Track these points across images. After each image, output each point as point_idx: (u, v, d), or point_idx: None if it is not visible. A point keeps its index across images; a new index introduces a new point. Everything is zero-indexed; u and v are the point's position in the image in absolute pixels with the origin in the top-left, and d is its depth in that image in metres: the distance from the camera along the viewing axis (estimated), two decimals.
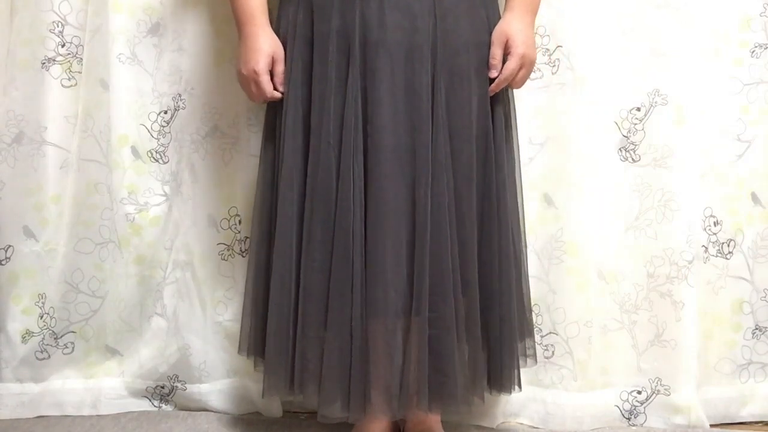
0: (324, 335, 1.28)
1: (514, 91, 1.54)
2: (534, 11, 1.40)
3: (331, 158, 1.28)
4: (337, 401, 1.29)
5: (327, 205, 1.27)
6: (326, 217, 1.27)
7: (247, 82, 1.36)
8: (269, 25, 1.37)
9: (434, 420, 1.46)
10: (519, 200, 1.45)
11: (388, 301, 1.26)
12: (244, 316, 1.48)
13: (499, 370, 1.36)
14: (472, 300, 1.32)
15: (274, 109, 1.39)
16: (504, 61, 1.35)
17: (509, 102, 1.44)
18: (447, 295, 1.27)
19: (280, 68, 1.35)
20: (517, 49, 1.34)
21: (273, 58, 1.34)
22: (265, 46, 1.34)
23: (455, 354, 1.28)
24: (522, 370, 1.52)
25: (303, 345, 1.29)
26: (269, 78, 1.34)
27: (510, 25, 1.35)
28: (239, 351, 1.50)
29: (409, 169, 1.27)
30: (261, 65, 1.33)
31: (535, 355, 1.48)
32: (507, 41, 1.34)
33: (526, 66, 1.36)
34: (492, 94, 1.35)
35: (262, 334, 1.39)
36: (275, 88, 1.36)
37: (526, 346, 1.45)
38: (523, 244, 1.46)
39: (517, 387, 1.39)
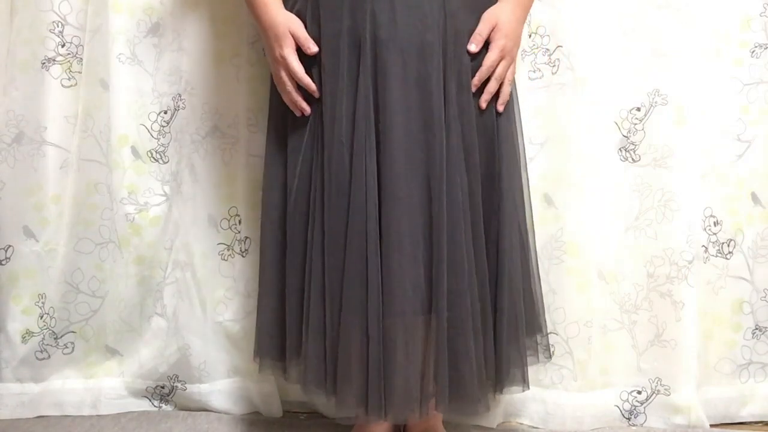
0: (338, 335, 1.26)
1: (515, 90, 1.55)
2: (527, 7, 1.39)
3: (344, 156, 1.26)
4: (355, 403, 1.27)
5: (341, 204, 1.26)
6: (340, 216, 1.26)
7: (279, 71, 1.33)
8: (282, 6, 1.34)
9: (436, 419, 1.46)
10: (526, 198, 1.43)
11: (406, 299, 1.25)
12: (260, 317, 1.44)
13: (507, 368, 1.34)
14: (484, 297, 1.31)
15: (280, 108, 1.38)
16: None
17: (513, 99, 1.42)
18: (463, 294, 1.26)
19: (302, 33, 1.30)
20: (499, 41, 1.32)
21: (292, 33, 1.31)
22: (281, 28, 1.31)
23: (472, 353, 1.27)
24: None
25: (329, 345, 1.28)
26: (298, 58, 1.31)
27: (501, 12, 1.33)
28: (255, 356, 1.45)
29: (423, 167, 1.26)
30: (285, 49, 1.31)
31: (549, 351, 1.47)
32: (494, 26, 1.32)
33: (506, 59, 1.33)
34: (474, 89, 1.31)
35: (269, 336, 1.39)
36: (306, 68, 1.32)
37: (537, 342, 1.43)
38: (531, 241, 1.44)
39: (525, 385, 1.37)
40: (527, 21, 1.56)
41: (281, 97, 1.35)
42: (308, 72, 1.31)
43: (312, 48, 1.30)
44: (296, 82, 1.32)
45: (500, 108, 1.34)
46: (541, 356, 1.44)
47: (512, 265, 1.34)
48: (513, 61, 1.36)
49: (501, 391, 1.37)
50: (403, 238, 1.25)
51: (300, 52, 1.31)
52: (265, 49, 1.38)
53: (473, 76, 1.31)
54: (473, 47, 1.31)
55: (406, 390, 1.27)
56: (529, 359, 1.40)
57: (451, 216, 1.26)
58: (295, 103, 1.33)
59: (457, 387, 1.27)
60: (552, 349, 1.59)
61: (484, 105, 1.32)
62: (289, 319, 1.34)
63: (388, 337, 1.26)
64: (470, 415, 1.46)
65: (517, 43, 1.36)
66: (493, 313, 1.32)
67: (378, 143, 1.26)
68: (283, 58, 1.31)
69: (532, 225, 1.45)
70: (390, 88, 1.26)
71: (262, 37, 1.36)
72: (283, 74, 1.32)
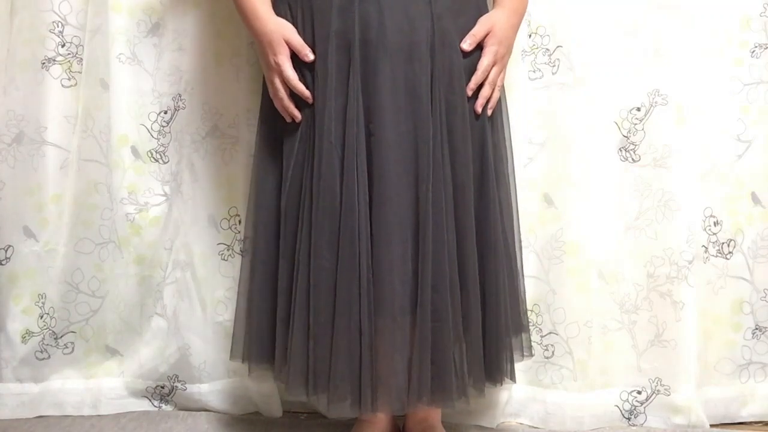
0: (332, 334, 1.28)
1: (515, 90, 1.55)
2: (521, 15, 1.42)
3: (334, 158, 1.28)
4: (347, 399, 1.29)
5: (332, 205, 1.28)
6: (332, 217, 1.28)
7: (273, 78, 1.34)
8: (273, 13, 1.35)
9: (435, 419, 1.47)
10: (513, 197, 1.45)
11: (396, 298, 1.27)
12: (237, 321, 1.47)
13: (489, 362, 1.36)
14: (472, 295, 1.32)
15: (273, 111, 1.39)
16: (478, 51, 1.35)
17: (502, 106, 1.44)
18: (444, 290, 1.28)
19: (297, 41, 1.31)
20: (492, 46, 1.34)
21: (286, 40, 1.32)
22: (275, 35, 1.32)
23: (451, 348, 1.29)
24: (522, 370, 1.53)
25: (314, 344, 1.30)
26: (292, 65, 1.32)
27: (497, 18, 1.36)
28: (231, 357, 1.48)
29: (411, 167, 1.28)
30: (279, 56, 1.32)
31: (531, 349, 1.49)
32: (489, 30, 1.34)
33: (499, 65, 1.36)
34: (470, 93, 1.34)
35: (258, 338, 1.40)
36: (302, 75, 1.33)
37: (522, 341, 1.46)
38: (516, 241, 1.46)
39: (508, 379, 1.40)
40: (527, 21, 1.57)
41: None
42: (300, 74, 1.32)
43: (309, 56, 1.31)
44: (289, 88, 1.33)
45: (488, 112, 1.37)
46: (525, 353, 1.46)
47: (498, 266, 1.36)
48: (504, 67, 1.39)
49: (485, 386, 1.38)
50: (392, 237, 1.27)
51: (292, 56, 1.32)
52: (258, 55, 1.39)
53: (465, 76, 1.33)
54: (466, 45, 1.33)
55: (395, 384, 1.29)
56: (514, 356, 1.42)
57: (435, 215, 1.28)
58: (286, 110, 1.34)
59: (436, 380, 1.29)
60: (552, 349, 1.60)
61: (479, 109, 1.35)
62: (279, 321, 1.36)
63: (378, 334, 1.28)
64: (449, 408, 1.45)
65: (509, 50, 1.39)
66: (481, 311, 1.34)
67: (368, 144, 1.28)
68: (278, 65, 1.32)
69: (519, 228, 1.47)
70: (379, 90, 1.28)
71: (255, 43, 1.37)
72: (277, 81, 1.34)
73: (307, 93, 1.32)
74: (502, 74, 1.38)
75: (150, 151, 1.63)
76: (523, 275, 1.49)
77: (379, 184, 1.27)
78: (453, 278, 1.29)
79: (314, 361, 1.29)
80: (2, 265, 1.62)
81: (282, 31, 1.32)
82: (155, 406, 1.66)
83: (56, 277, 1.63)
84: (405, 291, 1.28)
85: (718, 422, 1.62)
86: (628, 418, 1.61)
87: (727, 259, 1.63)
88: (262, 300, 1.40)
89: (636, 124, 1.60)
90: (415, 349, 1.29)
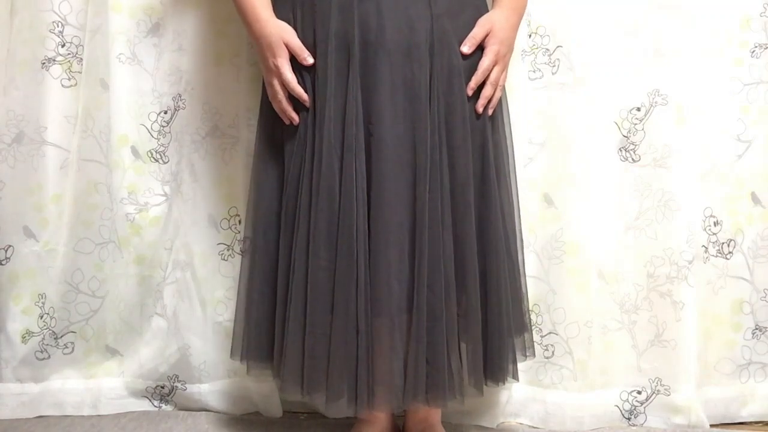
0: (330, 333, 1.29)
1: (515, 90, 1.55)
2: (520, 14, 1.42)
3: (333, 157, 1.28)
4: (343, 397, 1.30)
5: (330, 204, 1.28)
6: (330, 216, 1.28)
7: (272, 80, 1.34)
8: (273, 15, 1.35)
9: (435, 419, 1.47)
10: (514, 197, 1.46)
11: (393, 298, 1.28)
12: (237, 320, 1.47)
13: (491, 362, 1.36)
14: (472, 295, 1.33)
15: (271, 111, 1.39)
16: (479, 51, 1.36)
17: (502, 106, 1.44)
18: (439, 290, 1.29)
19: (296, 43, 1.32)
20: (493, 46, 1.35)
21: (286, 43, 1.32)
22: (274, 38, 1.32)
23: (445, 347, 1.29)
24: (522, 370, 1.52)
25: (311, 343, 1.30)
26: (291, 68, 1.32)
27: (496, 18, 1.37)
28: (232, 356, 1.49)
29: (409, 167, 1.28)
30: (279, 59, 1.32)
31: (533, 349, 1.48)
32: (489, 31, 1.35)
33: (500, 64, 1.36)
34: (470, 93, 1.34)
35: (257, 337, 1.40)
36: (302, 79, 1.33)
37: (525, 341, 1.45)
38: (518, 241, 1.46)
39: (511, 378, 1.40)
40: (527, 21, 1.57)
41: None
42: (299, 76, 1.33)
43: (308, 59, 1.31)
44: (288, 91, 1.33)
45: (489, 112, 1.37)
46: (527, 354, 1.46)
47: (499, 266, 1.36)
48: (506, 67, 1.39)
49: (488, 384, 1.38)
50: (390, 237, 1.28)
51: (291, 57, 1.32)
52: (257, 57, 1.39)
53: (465, 76, 1.33)
54: (466, 49, 1.34)
55: (392, 383, 1.29)
56: (516, 356, 1.42)
57: (432, 214, 1.28)
58: (284, 112, 1.35)
59: (431, 379, 1.30)
60: (552, 349, 1.60)
61: (480, 109, 1.35)
62: (278, 321, 1.36)
63: (375, 333, 1.28)
64: (442, 406, 1.45)
65: (510, 49, 1.39)
66: (482, 311, 1.34)
67: (367, 144, 1.29)
68: (277, 68, 1.33)
69: (520, 227, 1.47)
70: (378, 90, 1.28)
71: (255, 45, 1.38)
72: (276, 83, 1.34)
73: (305, 96, 1.32)
74: (503, 74, 1.38)
75: (150, 151, 1.63)
76: (524, 275, 1.49)
77: (377, 185, 1.28)
78: (449, 277, 1.30)
79: (310, 360, 1.30)
80: (2, 265, 1.62)
81: (281, 34, 1.32)
82: (155, 406, 1.66)
83: (56, 277, 1.63)
84: (402, 290, 1.28)
85: (718, 422, 1.62)
86: (628, 418, 1.61)
87: (727, 259, 1.63)
88: (262, 300, 1.40)
89: (636, 124, 1.60)
90: (410, 348, 1.29)
